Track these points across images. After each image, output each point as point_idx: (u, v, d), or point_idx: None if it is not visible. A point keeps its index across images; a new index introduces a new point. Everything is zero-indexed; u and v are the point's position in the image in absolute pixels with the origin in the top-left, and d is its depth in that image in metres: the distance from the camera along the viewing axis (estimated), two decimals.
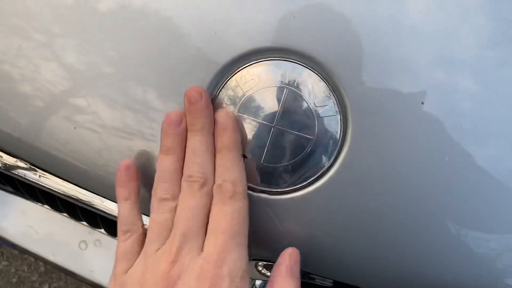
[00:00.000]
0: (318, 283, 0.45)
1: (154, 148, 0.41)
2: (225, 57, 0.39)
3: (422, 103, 0.38)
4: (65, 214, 0.64)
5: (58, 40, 0.42)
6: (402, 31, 0.38)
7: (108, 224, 0.58)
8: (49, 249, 0.68)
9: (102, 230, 0.64)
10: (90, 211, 0.56)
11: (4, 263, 1.31)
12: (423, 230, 0.39)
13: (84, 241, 0.68)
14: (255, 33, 0.38)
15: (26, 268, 1.31)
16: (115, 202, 0.46)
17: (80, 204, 0.47)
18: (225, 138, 0.37)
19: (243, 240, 0.36)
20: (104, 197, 0.46)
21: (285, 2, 0.38)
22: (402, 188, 0.38)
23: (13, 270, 1.31)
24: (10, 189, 0.62)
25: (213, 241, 0.34)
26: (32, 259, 1.31)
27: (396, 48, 0.38)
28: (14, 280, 1.30)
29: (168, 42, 0.40)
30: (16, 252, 1.31)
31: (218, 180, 0.36)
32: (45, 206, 0.63)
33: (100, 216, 0.55)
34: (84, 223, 0.66)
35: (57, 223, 0.68)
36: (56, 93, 0.43)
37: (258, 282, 0.57)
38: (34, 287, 1.30)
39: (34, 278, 1.30)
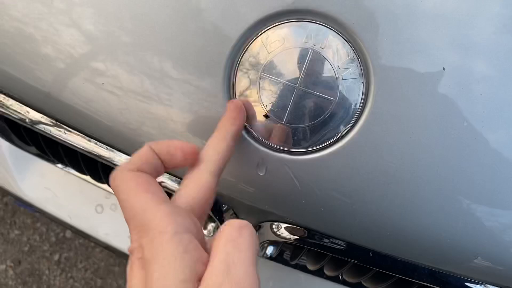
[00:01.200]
0: (331, 245, 0.46)
1: (171, 112, 0.42)
2: (251, 18, 0.40)
3: (444, 68, 0.38)
4: (83, 177, 0.65)
5: (76, 8, 0.43)
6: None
7: None
8: (66, 211, 0.70)
9: None
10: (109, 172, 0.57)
11: (17, 232, 1.34)
12: (437, 195, 0.40)
13: (101, 205, 0.69)
14: None
15: (37, 238, 1.34)
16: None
17: (101, 160, 0.49)
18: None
19: None
20: (125, 154, 0.47)
21: None
22: (419, 153, 0.39)
23: (25, 239, 1.34)
24: (34, 151, 0.63)
25: None
26: (44, 229, 1.34)
27: (422, 16, 0.38)
28: (26, 249, 1.33)
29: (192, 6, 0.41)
30: (28, 221, 1.34)
31: None
32: (66, 168, 0.64)
33: None
34: (102, 186, 0.67)
35: (75, 186, 0.70)
36: (76, 56, 0.44)
37: (269, 249, 0.59)
38: (45, 256, 1.32)
39: (45, 248, 1.33)
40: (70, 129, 0.48)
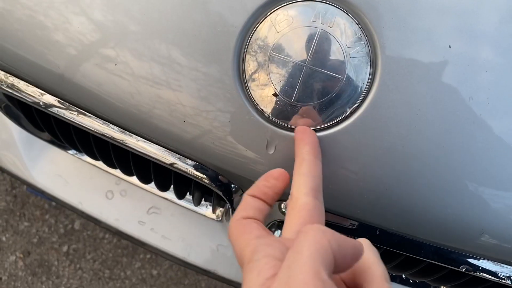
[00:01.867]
0: (339, 224, 0.47)
1: (180, 97, 0.43)
2: (254, 4, 0.40)
3: (449, 46, 0.39)
4: (95, 163, 0.66)
5: None
6: None
7: (138, 170, 0.60)
8: (77, 197, 0.71)
9: (130, 179, 0.67)
10: (122, 158, 0.59)
11: (26, 223, 1.36)
12: (444, 171, 0.41)
13: (111, 191, 0.70)
14: None
15: (46, 229, 1.35)
16: (149, 141, 0.48)
17: (114, 142, 0.50)
18: None
19: None
20: (137, 135, 0.48)
21: None
22: (426, 130, 0.40)
23: (34, 230, 1.35)
24: (46, 137, 0.65)
25: None
26: (53, 221, 1.35)
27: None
28: (35, 240, 1.35)
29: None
30: (37, 213, 1.36)
31: None
32: (78, 154, 0.65)
33: (133, 161, 0.57)
34: (112, 172, 0.68)
35: (85, 173, 0.71)
36: (86, 43, 0.45)
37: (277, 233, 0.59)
38: (53, 247, 1.34)
39: (54, 239, 1.35)
40: (83, 112, 0.49)
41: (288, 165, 0.43)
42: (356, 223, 0.47)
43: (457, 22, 0.39)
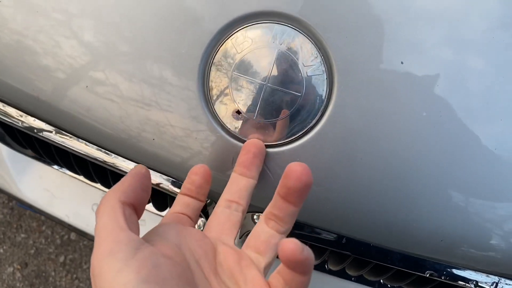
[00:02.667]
0: (308, 234, 0.49)
1: (170, 117, 0.45)
2: (222, 21, 0.42)
3: (402, 62, 0.41)
4: (79, 178, 0.69)
5: (75, 20, 0.46)
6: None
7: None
8: (64, 211, 0.73)
9: None
10: (103, 173, 0.61)
11: (23, 235, 1.38)
12: (399, 179, 0.43)
13: (97, 204, 0.72)
14: None
15: (43, 241, 1.37)
16: (135, 162, 0.50)
17: (103, 165, 0.52)
18: None
19: None
20: (128, 159, 0.50)
21: None
22: (381, 141, 0.42)
23: (31, 242, 1.37)
24: (31, 153, 0.67)
25: None
26: (49, 232, 1.37)
27: (376, 16, 0.41)
28: (32, 251, 1.37)
29: (168, 7, 0.44)
30: (34, 225, 1.38)
31: None
32: (61, 169, 0.67)
33: (112, 177, 0.59)
34: (98, 186, 0.70)
35: (72, 187, 0.73)
36: (76, 66, 0.46)
37: None
38: (50, 258, 1.36)
39: (50, 250, 1.37)
40: (70, 136, 0.51)
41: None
42: (322, 232, 0.48)
43: (408, 38, 0.41)
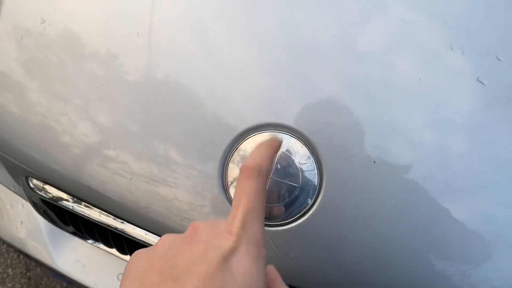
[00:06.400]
0: None
1: (177, 193, 0.58)
2: (237, 129, 0.56)
3: (374, 162, 0.54)
4: (110, 250, 0.79)
5: (92, 104, 0.60)
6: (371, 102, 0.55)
7: None
8: (93, 280, 0.83)
9: None
10: (134, 246, 0.72)
11: None
12: (390, 256, 0.54)
13: (121, 273, 0.82)
14: (260, 112, 0.56)
15: None
16: (145, 230, 0.62)
17: (119, 232, 0.63)
18: None
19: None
20: (136, 225, 0.62)
21: (277, 90, 0.56)
22: (366, 221, 0.54)
23: None
24: (70, 229, 0.78)
25: None
26: None
27: (359, 123, 0.55)
28: None
29: (189, 110, 0.58)
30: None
31: None
32: (95, 243, 0.78)
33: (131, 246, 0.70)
34: (123, 257, 0.81)
35: (100, 258, 0.84)
36: (90, 144, 0.60)
37: None
38: None
39: None
40: (89, 206, 0.64)
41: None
42: None
43: (378, 141, 0.54)
